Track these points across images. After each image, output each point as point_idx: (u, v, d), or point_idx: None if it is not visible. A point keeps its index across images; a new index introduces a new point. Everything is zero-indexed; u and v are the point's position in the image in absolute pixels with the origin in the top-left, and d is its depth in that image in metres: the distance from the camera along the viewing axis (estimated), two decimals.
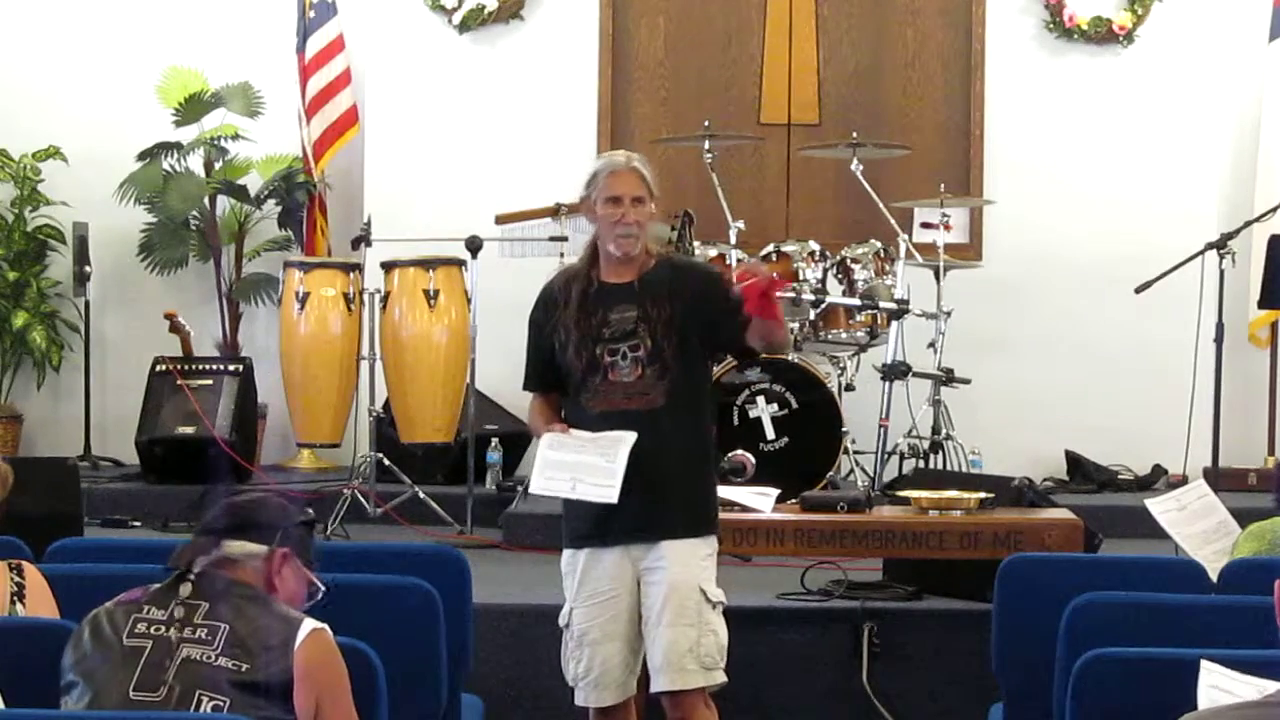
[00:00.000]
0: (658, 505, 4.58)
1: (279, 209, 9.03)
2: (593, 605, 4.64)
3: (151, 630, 3.27)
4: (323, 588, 3.53)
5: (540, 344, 4.76)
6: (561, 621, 4.72)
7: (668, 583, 4.56)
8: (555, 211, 7.92)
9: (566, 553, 4.73)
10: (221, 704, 3.18)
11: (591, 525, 4.64)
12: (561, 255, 7.94)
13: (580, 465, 4.56)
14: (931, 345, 7.83)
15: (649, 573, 4.60)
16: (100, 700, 3.21)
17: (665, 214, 7.41)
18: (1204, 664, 3.09)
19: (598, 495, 4.53)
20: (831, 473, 7.22)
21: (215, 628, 3.26)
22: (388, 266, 7.83)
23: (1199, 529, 5.21)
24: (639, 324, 4.62)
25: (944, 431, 7.83)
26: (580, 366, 4.65)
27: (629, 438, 4.54)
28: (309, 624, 3.32)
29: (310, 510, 3.58)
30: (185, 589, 3.32)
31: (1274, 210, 7.60)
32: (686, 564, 4.58)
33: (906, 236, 7.90)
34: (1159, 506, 5.34)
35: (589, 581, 4.65)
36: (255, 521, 3.43)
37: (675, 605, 4.56)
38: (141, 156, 8.92)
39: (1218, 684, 3.03)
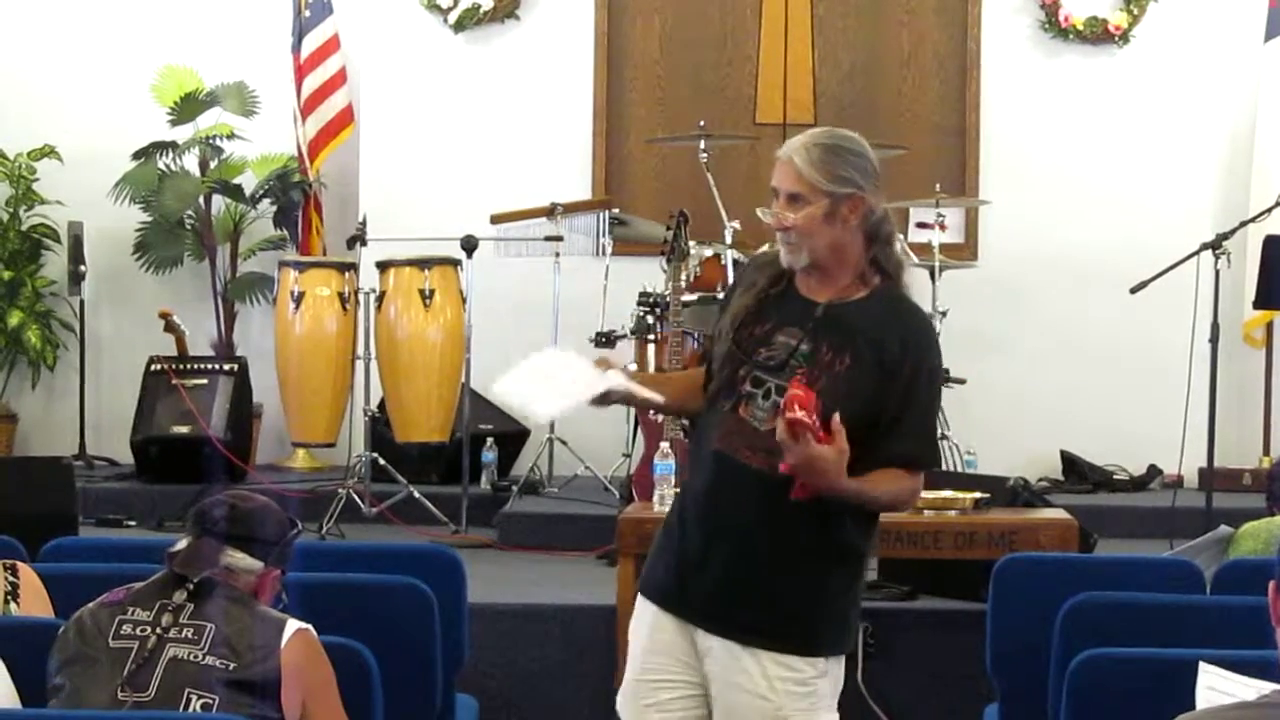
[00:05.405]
0: (738, 597, 3.48)
1: (274, 208, 9.02)
2: (645, 684, 3.58)
3: (137, 631, 3.28)
4: (285, 601, 3.54)
5: (719, 322, 3.63)
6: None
7: (730, 704, 3.49)
8: (550, 211, 7.93)
9: (638, 600, 3.64)
10: (211, 702, 3.20)
11: (665, 576, 3.56)
12: (557, 255, 7.96)
13: (550, 380, 3.51)
14: None
15: (714, 679, 3.50)
16: (89, 701, 3.22)
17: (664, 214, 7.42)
18: (1202, 665, 3.09)
19: (533, 407, 3.59)
20: None
21: (201, 627, 3.27)
22: (383, 266, 7.82)
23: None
24: (800, 362, 3.43)
25: (939, 431, 7.81)
26: (719, 381, 3.52)
27: (615, 384, 3.48)
28: (294, 624, 3.34)
29: (299, 524, 3.59)
30: (180, 595, 3.32)
31: (1269, 210, 7.59)
32: (757, 684, 3.45)
33: (902, 236, 7.85)
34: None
35: (643, 654, 3.57)
36: (258, 535, 3.44)
37: None
38: (136, 156, 8.90)
39: (1215, 685, 3.02)
